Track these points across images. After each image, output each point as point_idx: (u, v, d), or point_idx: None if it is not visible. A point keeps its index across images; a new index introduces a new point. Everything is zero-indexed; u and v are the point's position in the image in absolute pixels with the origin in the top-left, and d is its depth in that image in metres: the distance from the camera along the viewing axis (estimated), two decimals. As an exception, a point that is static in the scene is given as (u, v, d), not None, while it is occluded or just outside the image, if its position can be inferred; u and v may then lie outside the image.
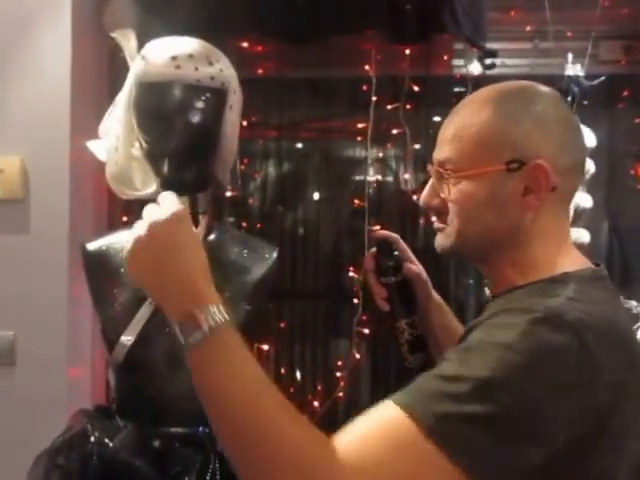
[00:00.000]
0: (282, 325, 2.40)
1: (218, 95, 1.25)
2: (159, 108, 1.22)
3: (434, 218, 1.04)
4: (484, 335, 0.87)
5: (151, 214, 0.92)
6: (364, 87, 2.22)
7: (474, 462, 0.79)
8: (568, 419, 0.82)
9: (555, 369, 0.81)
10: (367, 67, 2.18)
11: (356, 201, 2.30)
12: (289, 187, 2.47)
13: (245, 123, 2.23)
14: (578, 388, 0.82)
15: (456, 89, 2.26)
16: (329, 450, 0.80)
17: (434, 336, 1.20)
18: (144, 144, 1.26)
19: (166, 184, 1.29)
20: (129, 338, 1.28)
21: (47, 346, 2.06)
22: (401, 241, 1.23)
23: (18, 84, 2.07)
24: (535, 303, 0.86)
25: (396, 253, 1.18)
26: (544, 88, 1.00)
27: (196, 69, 1.21)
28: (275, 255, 1.43)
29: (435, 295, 1.26)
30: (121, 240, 1.40)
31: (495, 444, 0.79)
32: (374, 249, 1.21)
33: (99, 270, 1.37)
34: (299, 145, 2.45)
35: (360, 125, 2.25)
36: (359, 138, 2.32)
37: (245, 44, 2.24)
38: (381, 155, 2.36)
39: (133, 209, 2.06)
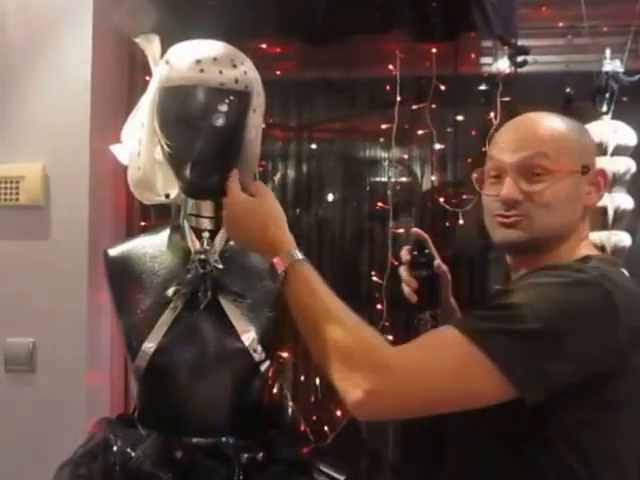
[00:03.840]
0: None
1: (242, 98, 1.26)
2: (183, 112, 1.23)
3: (507, 212, 1.17)
4: (519, 285, 1.10)
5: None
6: (388, 87, 2.23)
7: (510, 367, 1.01)
8: (592, 350, 1.04)
9: (584, 304, 1.04)
10: (391, 67, 2.19)
11: (379, 203, 2.31)
12: (311, 190, 2.46)
13: (264, 125, 2.30)
14: (602, 321, 1.04)
15: (484, 88, 2.25)
16: (384, 344, 1.07)
17: None
18: (167, 149, 1.27)
19: (189, 189, 1.32)
20: (151, 345, 1.29)
21: (67, 353, 2.09)
22: (430, 242, 1.34)
23: (39, 91, 2.11)
24: (563, 272, 1.08)
25: (427, 251, 1.30)
26: None
27: (220, 72, 1.23)
28: None
29: (452, 300, 1.39)
30: (142, 245, 1.42)
31: (529, 355, 1.01)
32: (407, 247, 1.33)
33: (121, 276, 1.39)
34: (320, 147, 2.45)
35: (384, 126, 2.25)
36: (382, 139, 2.33)
37: (264, 45, 2.25)
38: (406, 156, 2.35)
39: (151, 214, 2.10)
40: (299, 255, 1.14)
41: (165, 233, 1.43)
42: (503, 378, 1.01)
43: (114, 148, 1.38)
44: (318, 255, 2.42)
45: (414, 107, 2.22)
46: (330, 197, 2.46)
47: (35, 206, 2.12)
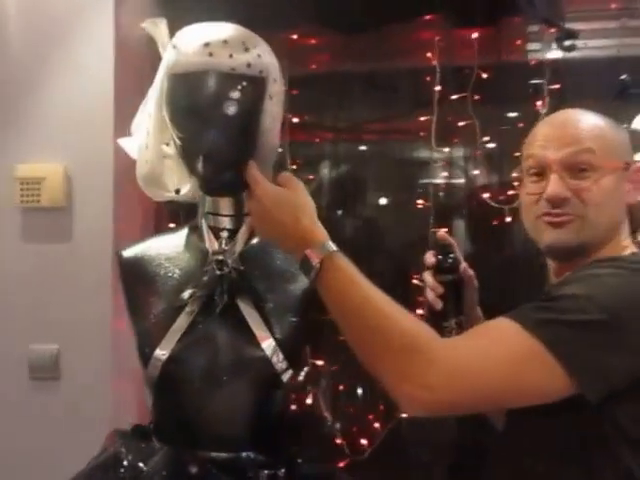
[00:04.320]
0: (341, 338, 2.30)
1: (256, 84, 1.19)
2: (192, 101, 1.16)
3: (555, 211, 1.12)
4: (575, 277, 1.07)
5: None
6: (427, 78, 2.14)
7: (572, 361, 0.97)
8: None
9: None
10: (429, 55, 2.09)
11: (420, 202, 2.22)
12: (346, 188, 2.39)
13: (297, 120, 2.26)
14: None
15: (530, 76, 2.13)
16: (435, 335, 1.03)
17: None
18: (178, 141, 1.20)
19: (204, 185, 1.25)
20: (164, 353, 1.21)
21: (92, 359, 2.04)
22: (455, 246, 1.29)
23: (59, 90, 2.07)
24: (620, 263, 1.07)
25: (453, 254, 1.26)
26: None
27: (230, 56, 1.16)
28: None
29: (478, 309, 1.33)
30: (158, 246, 1.35)
31: (592, 348, 0.97)
32: (431, 251, 1.28)
33: (134, 278, 1.32)
34: (357, 143, 2.38)
35: (423, 118, 2.16)
36: (422, 133, 2.23)
37: (295, 36, 2.17)
38: (447, 151, 2.24)
39: (180, 215, 2.03)
40: (333, 247, 1.09)
41: (183, 233, 1.36)
42: (564, 372, 0.97)
43: (122, 141, 1.31)
44: (356, 258, 2.30)
45: (453, 97, 2.13)
46: (367, 197, 2.37)
47: (57, 208, 2.09)
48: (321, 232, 1.11)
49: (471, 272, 1.30)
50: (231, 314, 1.23)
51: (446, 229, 2.07)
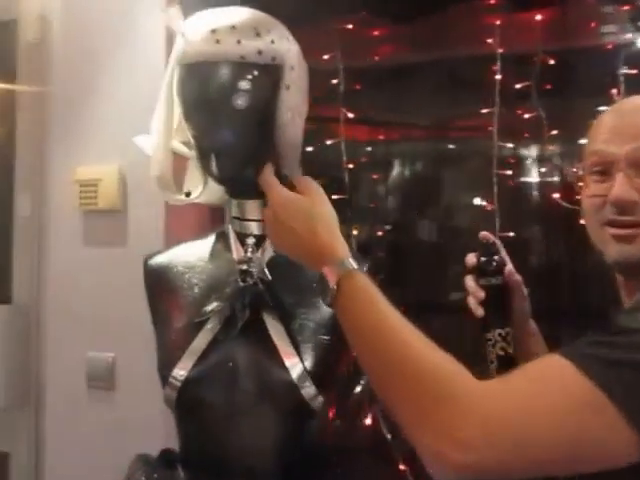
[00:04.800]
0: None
1: (268, 73, 1.06)
2: (200, 94, 1.05)
3: (621, 218, 0.94)
4: None
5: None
6: (487, 67, 1.92)
7: (631, 404, 0.75)
8: None
9: None
10: (490, 41, 1.89)
11: (484, 203, 2.00)
12: (407, 187, 2.24)
13: (352, 115, 2.09)
14: None
15: (602, 60, 1.88)
16: (470, 377, 0.81)
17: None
18: (192, 139, 1.09)
19: (225, 187, 1.14)
20: (182, 373, 1.09)
21: (148, 369, 1.88)
22: (501, 247, 1.13)
23: (113, 89, 1.99)
24: None
25: (497, 256, 1.10)
26: None
27: (239, 42, 1.03)
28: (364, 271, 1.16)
29: (532, 322, 1.15)
30: (184, 253, 1.23)
31: None
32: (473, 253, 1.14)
33: (157, 289, 1.22)
34: (412, 140, 2.21)
35: (484, 111, 1.95)
36: (483, 127, 2.01)
37: (350, 26, 2.01)
38: (511, 146, 2.02)
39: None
40: (354, 264, 0.92)
41: (210, 240, 1.24)
42: (633, 432, 0.74)
43: (138, 140, 1.17)
44: (415, 262, 2.16)
45: (517, 86, 1.91)
46: (428, 196, 2.20)
47: (113, 210, 2.01)
48: (341, 247, 0.94)
49: (518, 277, 1.12)
50: (256, 331, 1.10)
51: (513, 233, 1.91)
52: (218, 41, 1.02)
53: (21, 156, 2.14)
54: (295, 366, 1.05)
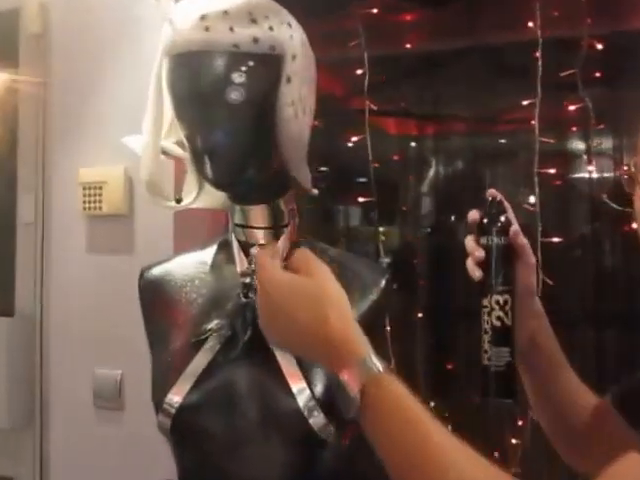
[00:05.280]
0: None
1: (267, 63, 1.02)
2: (189, 88, 1.00)
3: None
4: None
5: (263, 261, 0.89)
6: (528, 53, 1.87)
7: None
8: None
9: None
10: (530, 24, 1.84)
11: (525, 205, 1.94)
12: (440, 187, 2.15)
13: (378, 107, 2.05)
14: None
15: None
16: None
17: (520, 351, 1.04)
18: (184, 140, 1.05)
19: (226, 193, 1.09)
20: (177, 399, 1.03)
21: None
22: (509, 207, 1.06)
23: (117, 86, 1.97)
24: None
25: (503, 216, 1.04)
26: None
27: (231, 30, 0.99)
28: (383, 283, 1.14)
29: (538, 302, 1.09)
30: (183, 265, 1.19)
31: None
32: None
33: (153, 303, 1.18)
34: (447, 136, 2.21)
35: (524, 102, 1.89)
36: (523, 120, 1.97)
37: (375, 10, 1.97)
38: (554, 141, 1.95)
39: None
40: (378, 364, 0.80)
41: (212, 249, 1.19)
42: None
43: (128, 140, 1.12)
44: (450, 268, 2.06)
45: (562, 75, 1.86)
46: (463, 196, 2.14)
47: (119, 215, 1.99)
48: (360, 340, 0.82)
49: (524, 240, 1.05)
50: (259, 352, 1.03)
51: (557, 237, 1.85)
52: (208, 28, 0.98)
53: (23, 157, 2.12)
54: (302, 392, 0.99)
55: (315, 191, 1.15)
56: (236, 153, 1.02)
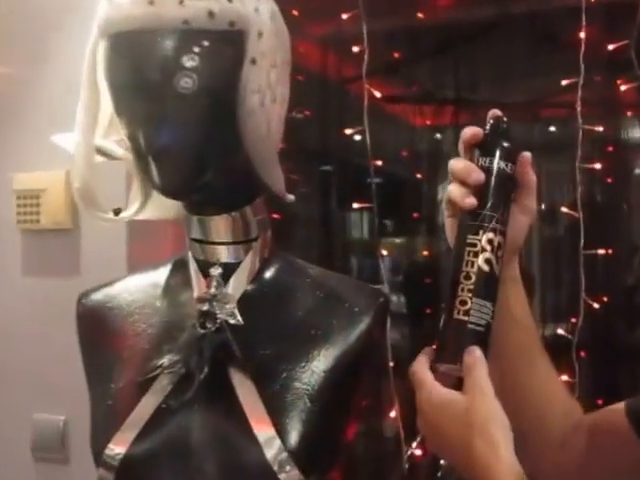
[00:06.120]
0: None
1: (225, 42, 1.06)
2: (131, 75, 1.05)
3: None
4: None
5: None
6: (569, 22, 1.94)
7: None
8: None
9: None
10: None
11: (564, 209, 1.99)
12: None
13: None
14: None
15: None
16: None
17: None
18: (125, 138, 1.10)
19: (185, 203, 1.16)
20: (118, 451, 1.09)
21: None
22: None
23: (60, 73, 2.03)
24: None
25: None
26: None
27: (180, 2, 1.02)
28: (372, 312, 1.18)
29: (517, 267, 1.11)
30: (129, 288, 1.26)
31: None
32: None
33: (93, 336, 1.25)
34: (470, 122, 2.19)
35: (564, 82, 1.95)
36: (565, 104, 2.03)
37: None
38: (601, 129, 2.01)
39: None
40: None
41: (166, 270, 1.26)
42: None
43: (58, 139, 1.19)
44: None
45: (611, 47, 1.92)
46: None
47: (60, 229, 2.07)
48: (505, 469, 0.91)
49: (533, 177, 1.05)
50: (220, 394, 1.10)
51: (602, 248, 1.89)
52: (152, 2, 1.02)
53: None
54: (272, 441, 1.05)
55: (291, 197, 1.22)
56: (189, 154, 1.06)
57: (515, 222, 1.04)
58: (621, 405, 1.08)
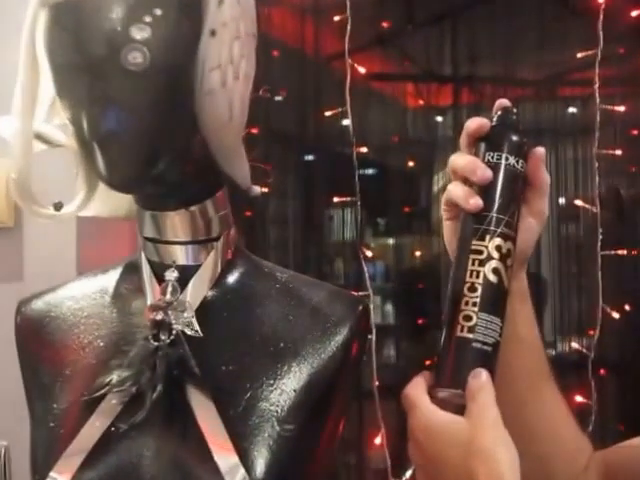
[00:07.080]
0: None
1: (180, 11, 1.07)
2: (73, 50, 1.07)
3: None
4: None
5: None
6: None
7: None
8: None
9: None
10: None
11: (579, 202, 2.00)
12: None
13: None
14: None
15: None
16: None
17: None
18: (68, 121, 1.12)
19: (136, 197, 1.19)
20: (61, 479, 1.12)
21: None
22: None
23: None
24: None
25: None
26: None
27: None
28: (350, 322, 1.21)
29: (525, 278, 1.13)
30: (75, 295, 1.29)
31: None
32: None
33: (33, 349, 1.29)
34: (477, 105, 2.28)
35: (580, 55, 1.98)
36: (581, 81, 2.08)
37: None
38: (622, 108, 2.02)
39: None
40: None
41: (116, 273, 1.31)
42: None
43: None
44: None
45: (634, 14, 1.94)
46: None
47: (0, 228, 2.10)
48: None
49: (546, 176, 1.07)
50: (174, 415, 1.14)
51: (632, 250, 1.92)
52: None
53: None
54: (235, 471, 1.07)
55: (257, 189, 1.25)
56: (139, 140, 1.07)
57: (524, 226, 1.06)
58: None
